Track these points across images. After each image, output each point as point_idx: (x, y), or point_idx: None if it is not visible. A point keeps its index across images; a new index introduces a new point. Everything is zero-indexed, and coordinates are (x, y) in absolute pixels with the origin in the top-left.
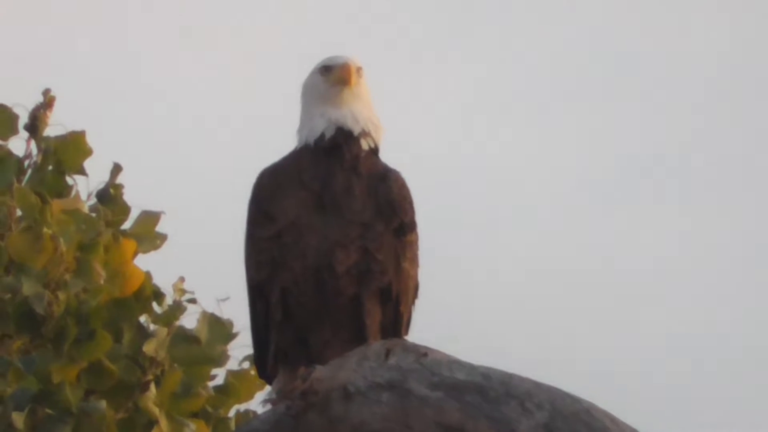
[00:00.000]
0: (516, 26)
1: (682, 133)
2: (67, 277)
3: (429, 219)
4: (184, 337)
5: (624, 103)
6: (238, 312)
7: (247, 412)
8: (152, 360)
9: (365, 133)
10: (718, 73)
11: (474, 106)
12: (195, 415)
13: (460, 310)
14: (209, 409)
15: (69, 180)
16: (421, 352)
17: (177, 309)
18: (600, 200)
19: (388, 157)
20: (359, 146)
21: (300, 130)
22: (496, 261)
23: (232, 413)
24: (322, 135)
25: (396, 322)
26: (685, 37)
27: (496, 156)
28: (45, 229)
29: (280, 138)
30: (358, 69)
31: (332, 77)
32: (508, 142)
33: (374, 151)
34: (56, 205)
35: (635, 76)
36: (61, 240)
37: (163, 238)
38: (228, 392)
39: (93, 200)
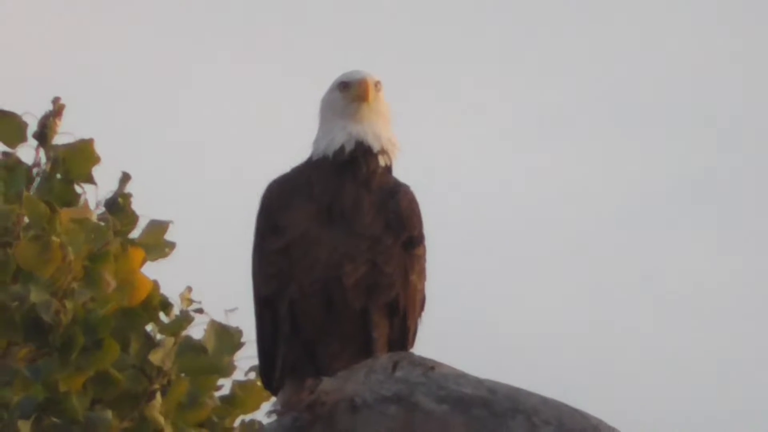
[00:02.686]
0: (560, 47)
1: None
2: (75, 285)
3: (471, 240)
4: (191, 346)
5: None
6: (245, 323)
7: (252, 422)
8: (159, 370)
9: (383, 151)
10: None
11: (520, 128)
12: (200, 425)
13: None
14: (215, 419)
15: (77, 189)
16: (428, 366)
17: (184, 319)
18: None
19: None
20: (376, 162)
21: (317, 142)
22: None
23: (237, 424)
24: (342, 148)
25: (403, 336)
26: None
27: (534, 180)
28: (53, 238)
29: (290, 148)
30: (376, 84)
31: (351, 93)
32: (548, 166)
33: (388, 168)
34: (65, 213)
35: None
36: (70, 249)
37: (171, 246)
38: (234, 403)
39: (101, 209)
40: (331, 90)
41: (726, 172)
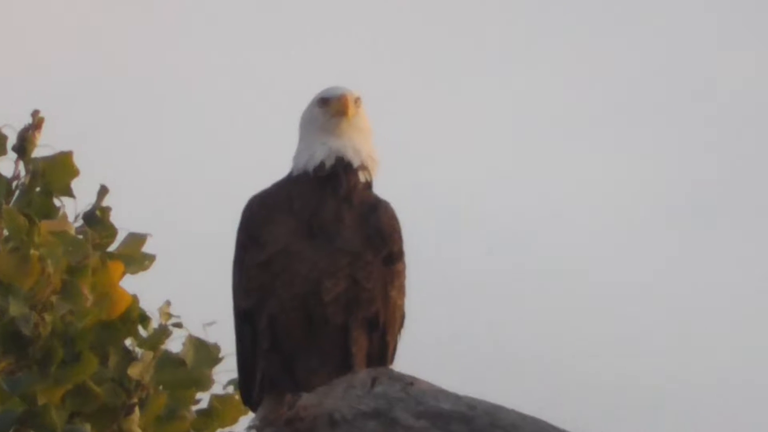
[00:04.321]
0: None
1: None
2: (54, 299)
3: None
4: (170, 360)
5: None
6: (224, 336)
7: None
8: (137, 383)
9: (363, 166)
10: None
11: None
12: None
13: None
14: None
15: (56, 201)
16: (407, 381)
17: (163, 333)
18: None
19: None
20: (357, 178)
21: (297, 157)
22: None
23: None
24: (322, 164)
25: (382, 351)
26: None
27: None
28: (32, 251)
29: (270, 162)
30: (356, 100)
31: (330, 109)
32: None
33: (368, 184)
34: (44, 226)
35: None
36: (49, 262)
37: (151, 258)
38: (212, 416)
39: (80, 222)
40: (311, 106)
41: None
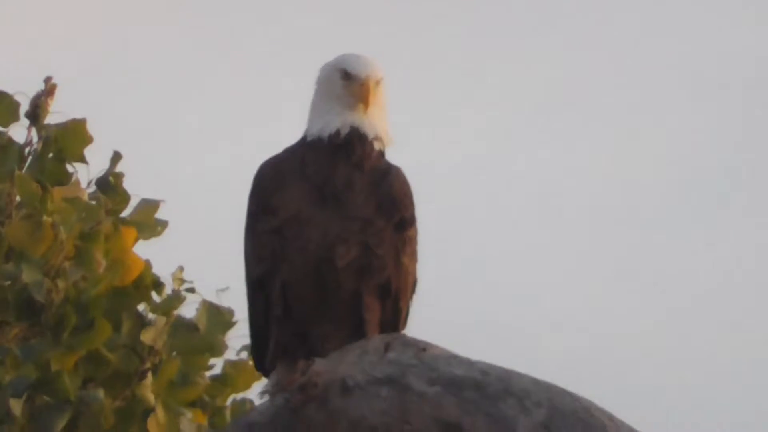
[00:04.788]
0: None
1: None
2: (67, 265)
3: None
4: (183, 326)
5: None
6: (237, 302)
7: (243, 401)
8: (150, 349)
9: (377, 137)
10: None
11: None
12: (192, 404)
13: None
14: (206, 399)
15: (69, 168)
16: (420, 347)
17: (176, 298)
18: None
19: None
20: (371, 146)
21: (311, 122)
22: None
23: (228, 403)
24: (337, 132)
25: (395, 317)
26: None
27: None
28: (45, 217)
29: (281, 128)
30: (377, 82)
31: (352, 88)
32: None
33: (382, 153)
34: (57, 192)
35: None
36: (61, 228)
37: (164, 224)
38: (225, 382)
39: (93, 188)
40: (333, 70)
41: None
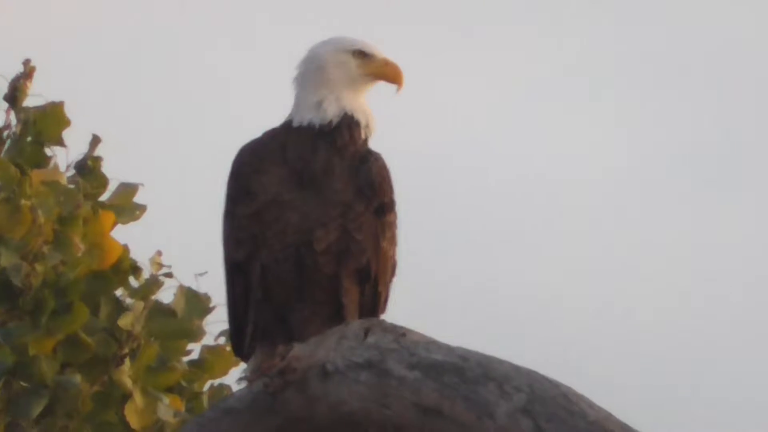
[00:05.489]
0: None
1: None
2: (45, 249)
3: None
4: (161, 311)
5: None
6: (215, 286)
7: (221, 387)
8: (128, 334)
9: (366, 125)
10: None
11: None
12: (170, 390)
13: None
14: (184, 384)
15: (48, 151)
16: (400, 332)
17: (154, 283)
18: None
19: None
20: (359, 134)
21: (302, 107)
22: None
23: (206, 388)
24: (332, 117)
25: (374, 302)
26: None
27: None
28: (24, 201)
29: (260, 112)
30: None
31: (371, 67)
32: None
33: (365, 141)
34: (35, 176)
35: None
36: (40, 212)
37: (142, 209)
38: (203, 367)
39: (72, 172)
40: (341, 52)
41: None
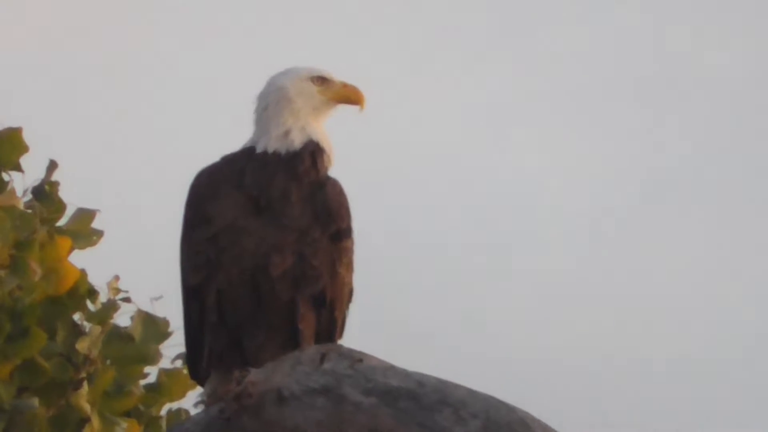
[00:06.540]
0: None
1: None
2: (2, 273)
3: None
4: (118, 335)
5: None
6: (171, 310)
7: (179, 411)
8: (85, 358)
9: (328, 153)
10: None
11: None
12: (127, 414)
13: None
14: (141, 408)
15: (5, 176)
16: (356, 358)
17: (111, 307)
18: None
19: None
20: (321, 163)
21: (265, 133)
22: None
23: (163, 412)
24: (295, 150)
25: (330, 327)
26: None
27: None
28: None
29: (217, 137)
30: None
31: (332, 91)
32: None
33: (326, 168)
34: None
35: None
36: None
37: (99, 234)
38: (160, 391)
39: (28, 197)
40: (302, 80)
41: None
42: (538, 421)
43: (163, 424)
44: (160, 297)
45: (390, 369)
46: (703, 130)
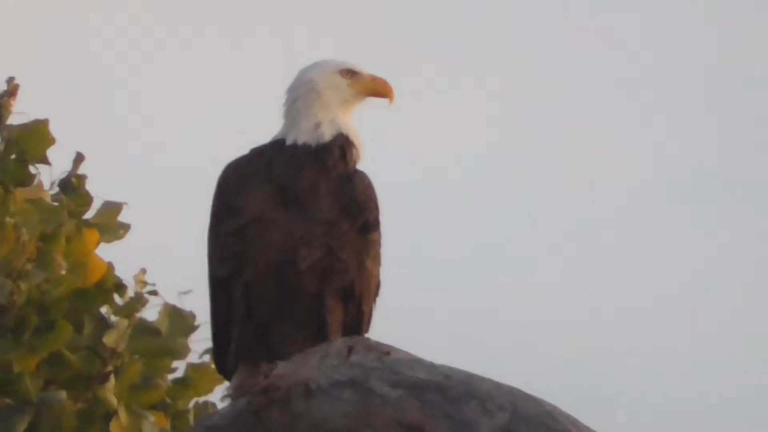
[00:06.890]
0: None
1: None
2: (29, 267)
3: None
4: (145, 329)
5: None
6: (199, 305)
7: (205, 404)
8: (112, 351)
9: (357, 146)
10: None
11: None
12: (154, 407)
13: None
14: (168, 401)
15: (32, 169)
16: (383, 351)
17: (138, 301)
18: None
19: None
20: (351, 156)
21: (294, 126)
22: None
23: (191, 406)
24: (325, 143)
25: (357, 320)
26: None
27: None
28: (7, 219)
29: (244, 130)
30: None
31: (360, 85)
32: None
33: (354, 162)
34: (19, 194)
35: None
36: (24, 230)
37: (126, 227)
38: (187, 385)
39: (55, 190)
40: (331, 73)
41: None
42: (566, 414)
43: (191, 417)
44: (189, 291)
45: (417, 362)
46: (732, 130)
